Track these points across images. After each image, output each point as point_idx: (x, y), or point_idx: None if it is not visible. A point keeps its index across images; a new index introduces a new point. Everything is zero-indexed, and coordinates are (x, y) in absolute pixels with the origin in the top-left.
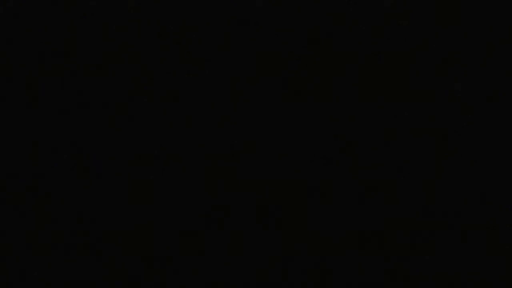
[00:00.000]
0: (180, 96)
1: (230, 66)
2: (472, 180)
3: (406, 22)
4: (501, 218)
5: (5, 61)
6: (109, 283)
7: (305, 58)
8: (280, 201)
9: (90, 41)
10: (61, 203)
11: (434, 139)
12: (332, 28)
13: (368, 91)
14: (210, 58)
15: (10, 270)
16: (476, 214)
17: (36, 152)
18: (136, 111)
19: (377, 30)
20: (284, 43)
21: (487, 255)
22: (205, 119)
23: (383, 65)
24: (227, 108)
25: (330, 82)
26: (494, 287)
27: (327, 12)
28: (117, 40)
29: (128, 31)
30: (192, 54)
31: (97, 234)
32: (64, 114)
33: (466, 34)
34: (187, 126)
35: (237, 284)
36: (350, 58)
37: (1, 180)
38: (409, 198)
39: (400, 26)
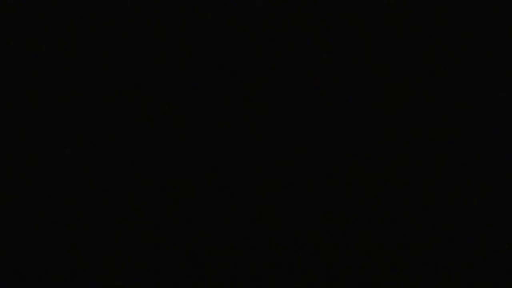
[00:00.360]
0: (179, 96)
1: (230, 66)
2: (472, 180)
3: (406, 22)
4: (501, 218)
5: (3, 61)
6: (109, 284)
7: (304, 58)
8: (280, 201)
9: (89, 40)
10: (60, 203)
11: (434, 139)
12: (332, 28)
13: (367, 91)
14: (209, 58)
15: (10, 270)
16: (476, 214)
17: (36, 152)
18: (135, 111)
19: (377, 30)
20: (284, 43)
21: (487, 255)
22: (204, 119)
23: (383, 65)
24: (226, 108)
25: (330, 82)
26: (494, 287)
27: (327, 12)
28: (117, 40)
29: (128, 31)
30: (191, 54)
31: (96, 235)
32: (62, 114)
33: (466, 34)
34: (186, 126)
35: (237, 284)
36: (350, 58)
37: (1, 180)
38: (409, 198)
39: (400, 26)
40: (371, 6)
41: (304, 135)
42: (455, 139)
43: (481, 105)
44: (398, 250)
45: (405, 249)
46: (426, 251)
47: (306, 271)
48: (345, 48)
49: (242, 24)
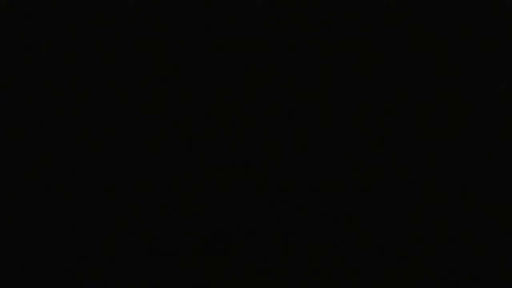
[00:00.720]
0: (178, 96)
1: (229, 66)
2: (472, 180)
3: (406, 22)
4: (501, 218)
5: (3, 61)
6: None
7: (304, 57)
8: (279, 201)
9: (86, 40)
10: (59, 204)
11: (434, 139)
12: (332, 28)
13: (367, 91)
14: (209, 58)
15: (9, 270)
16: (476, 214)
17: (35, 152)
18: (135, 112)
19: (377, 30)
20: (283, 43)
21: (487, 255)
22: (204, 119)
23: (383, 65)
24: (225, 108)
25: (330, 82)
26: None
27: (327, 12)
28: (115, 40)
29: (128, 31)
30: (191, 54)
31: (96, 235)
32: (58, 114)
33: (465, 33)
34: (186, 126)
35: (237, 284)
36: (349, 57)
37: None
38: (408, 198)
39: (400, 26)
40: (371, 6)
41: (304, 135)
42: (454, 139)
43: (480, 104)
44: (398, 250)
45: (405, 249)
46: (425, 251)
47: (306, 271)
48: (345, 47)
49: (242, 24)
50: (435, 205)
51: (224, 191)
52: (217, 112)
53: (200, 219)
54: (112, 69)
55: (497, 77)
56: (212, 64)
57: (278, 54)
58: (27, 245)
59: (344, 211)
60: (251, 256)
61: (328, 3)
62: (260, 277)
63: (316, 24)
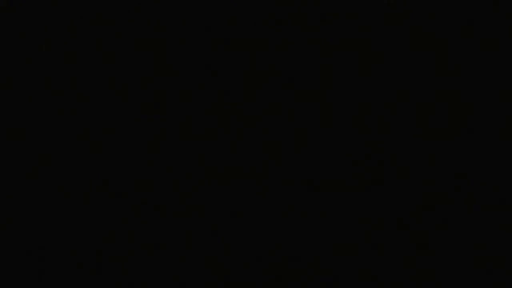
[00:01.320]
0: (178, 96)
1: (229, 66)
2: (472, 180)
3: (406, 22)
4: (501, 218)
5: (3, 61)
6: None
7: (304, 57)
8: (279, 201)
9: (86, 40)
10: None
11: (434, 139)
12: (332, 28)
13: (367, 91)
14: (209, 58)
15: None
16: (476, 214)
17: (35, 152)
18: (135, 112)
19: (377, 30)
20: (284, 43)
21: (487, 255)
22: (204, 119)
23: (383, 65)
24: (225, 108)
25: (330, 82)
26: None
27: (327, 12)
28: (115, 40)
29: (128, 31)
30: (191, 54)
31: (95, 236)
32: (58, 114)
33: (465, 33)
34: (186, 126)
35: (236, 284)
36: (349, 57)
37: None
38: (408, 198)
39: (400, 26)
40: (371, 6)
41: (304, 135)
42: (454, 139)
43: (480, 104)
44: (398, 250)
45: (405, 249)
46: (425, 251)
47: (306, 271)
48: (345, 47)
49: (242, 24)
50: (435, 205)
51: (224, 191)
52: (217, 112)
53: (200, 219)
54: (112, 69)
55: (497, 77)
56: (212, 64)
57: (278, 54)
58: (27, 245)
59: (344, 211)
60: (250, 256)
61: (328, 3)
62: (260, 277)
63: (316, 24)
